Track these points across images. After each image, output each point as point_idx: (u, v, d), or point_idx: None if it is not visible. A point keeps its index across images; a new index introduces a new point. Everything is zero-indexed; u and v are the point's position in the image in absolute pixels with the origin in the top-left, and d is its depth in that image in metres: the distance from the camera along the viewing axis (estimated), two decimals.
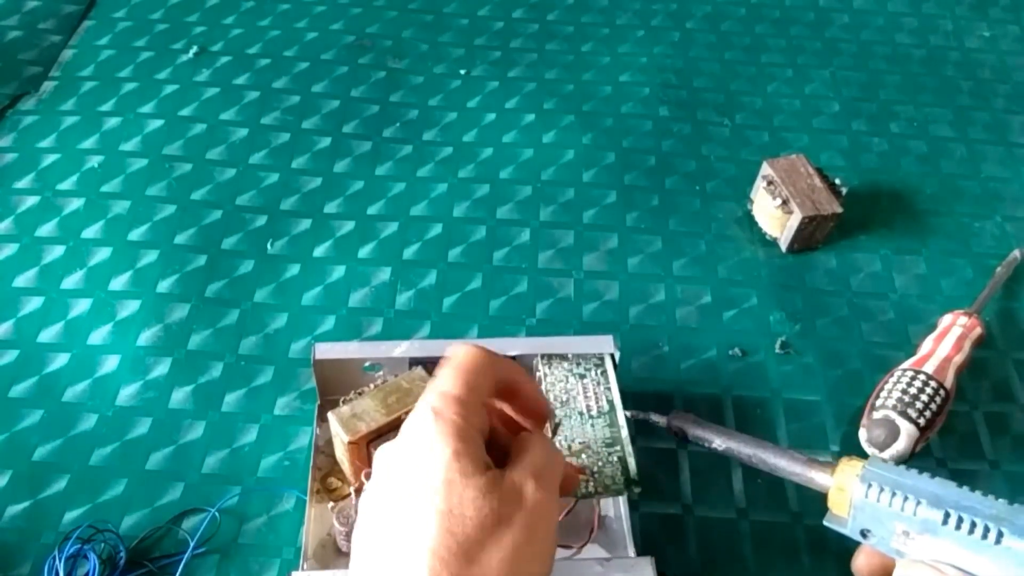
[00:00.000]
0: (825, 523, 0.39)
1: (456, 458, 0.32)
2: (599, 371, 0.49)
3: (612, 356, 0.50)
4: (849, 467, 0.38)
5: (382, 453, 0.34)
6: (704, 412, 0.54)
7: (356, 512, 0.45)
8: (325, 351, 0.49)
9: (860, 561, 0.38)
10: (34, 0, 0.77)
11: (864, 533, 0.37)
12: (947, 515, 0.34)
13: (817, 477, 0.39)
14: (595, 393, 0.48)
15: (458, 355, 0.35)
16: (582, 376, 0.49)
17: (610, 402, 0.48)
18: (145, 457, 0.51)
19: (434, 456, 0.32)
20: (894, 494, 0.36)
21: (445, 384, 0.34)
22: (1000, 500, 0.34)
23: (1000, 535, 0.33)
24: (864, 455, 0.51)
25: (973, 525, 0.34)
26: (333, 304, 0.59)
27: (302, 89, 0.72)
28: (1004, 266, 0.62)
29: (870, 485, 0.36)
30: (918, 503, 0.35)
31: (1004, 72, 0.77)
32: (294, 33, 0.76)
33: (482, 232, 0.63)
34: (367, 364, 0.50)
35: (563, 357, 0.50)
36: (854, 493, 0.37)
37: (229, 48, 0.74)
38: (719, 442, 0.42)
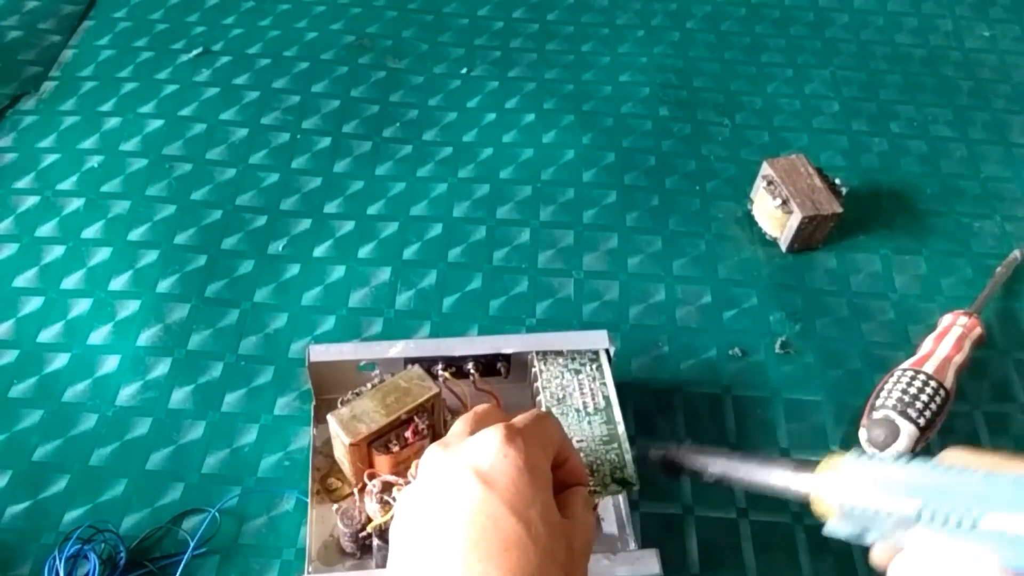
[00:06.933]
0: (824, 534, 0.38)
1: (531, 474, 0.34)
2: (594, 366, 0.49)
3: (607, 351, 0.50)
4: (823, 474, 0.37)
5: (432, 457, 0.36)
6: (704, 412, 0.55)
7: (360, 512, 0.45)
8: (320, 353, 0.49)
9: (876, 556, 0.38)
10: (34, 0, 0.77)
11: (864, 536, 0.37)
12: (920, 511, 0.34)
13: (800, 489, 0.38)
14: (591, 389, 0.48)
15: (537, 411, 0.39)
16: (577, 372, 0.49)
17: (606, 398, 0.48)
18: (145, 457, 0.51)
19: (511, 473, 0.34)
20: (871, 493, 0.35)
21: (521, 421, 0.37)
22: (978, 472, 0.33)
23: (975, 523, 0.33)
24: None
25: (947, 517, 0.33)
26: (333, 304, 0.59)
27: (302, 89, 0.72)
28: (1004, 266, 0.61)
29: (846, 489, 0.36)
30: (895, 498, 0.34)
31: (1004, 72, 0.77)
32: (294, 33, 0.76)
33: (482, 232, 0.63)
34: (362, 363, 0.50)
35: (558, 353, 0.50)
36: (832, 500, 0.36)
37: (229, 48, 0.74)
38: (711, 471, 0.41)
